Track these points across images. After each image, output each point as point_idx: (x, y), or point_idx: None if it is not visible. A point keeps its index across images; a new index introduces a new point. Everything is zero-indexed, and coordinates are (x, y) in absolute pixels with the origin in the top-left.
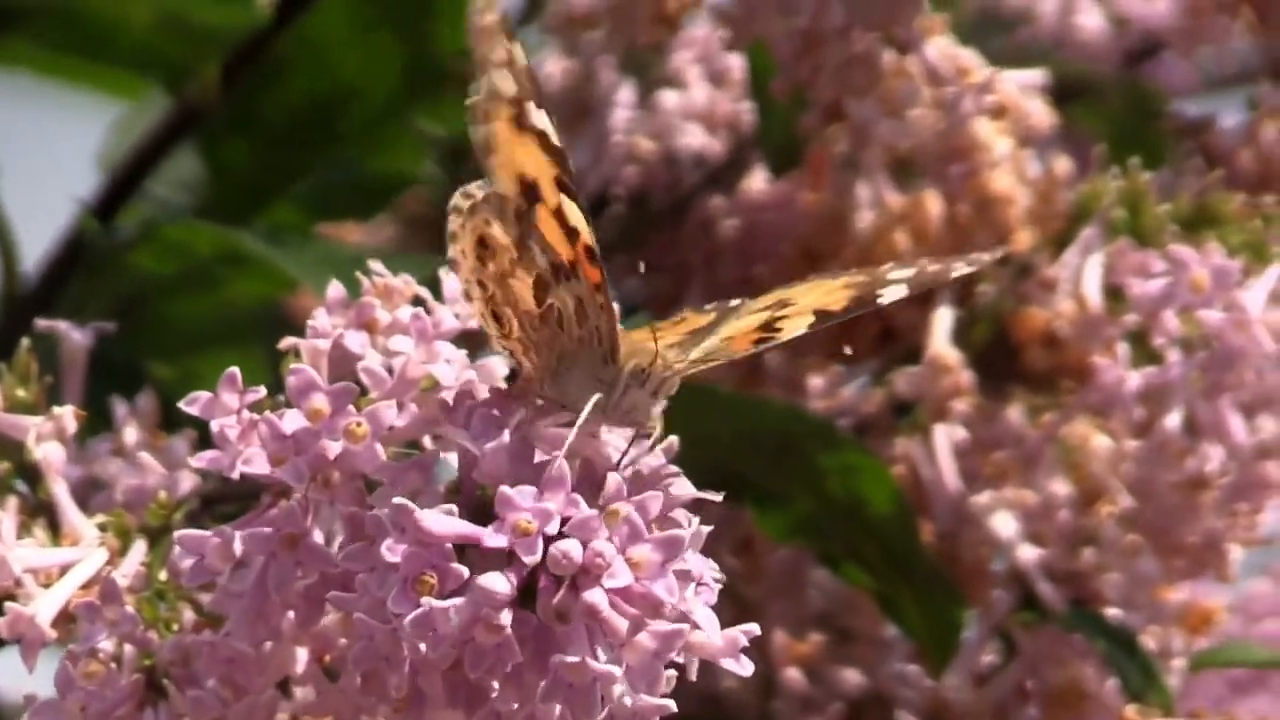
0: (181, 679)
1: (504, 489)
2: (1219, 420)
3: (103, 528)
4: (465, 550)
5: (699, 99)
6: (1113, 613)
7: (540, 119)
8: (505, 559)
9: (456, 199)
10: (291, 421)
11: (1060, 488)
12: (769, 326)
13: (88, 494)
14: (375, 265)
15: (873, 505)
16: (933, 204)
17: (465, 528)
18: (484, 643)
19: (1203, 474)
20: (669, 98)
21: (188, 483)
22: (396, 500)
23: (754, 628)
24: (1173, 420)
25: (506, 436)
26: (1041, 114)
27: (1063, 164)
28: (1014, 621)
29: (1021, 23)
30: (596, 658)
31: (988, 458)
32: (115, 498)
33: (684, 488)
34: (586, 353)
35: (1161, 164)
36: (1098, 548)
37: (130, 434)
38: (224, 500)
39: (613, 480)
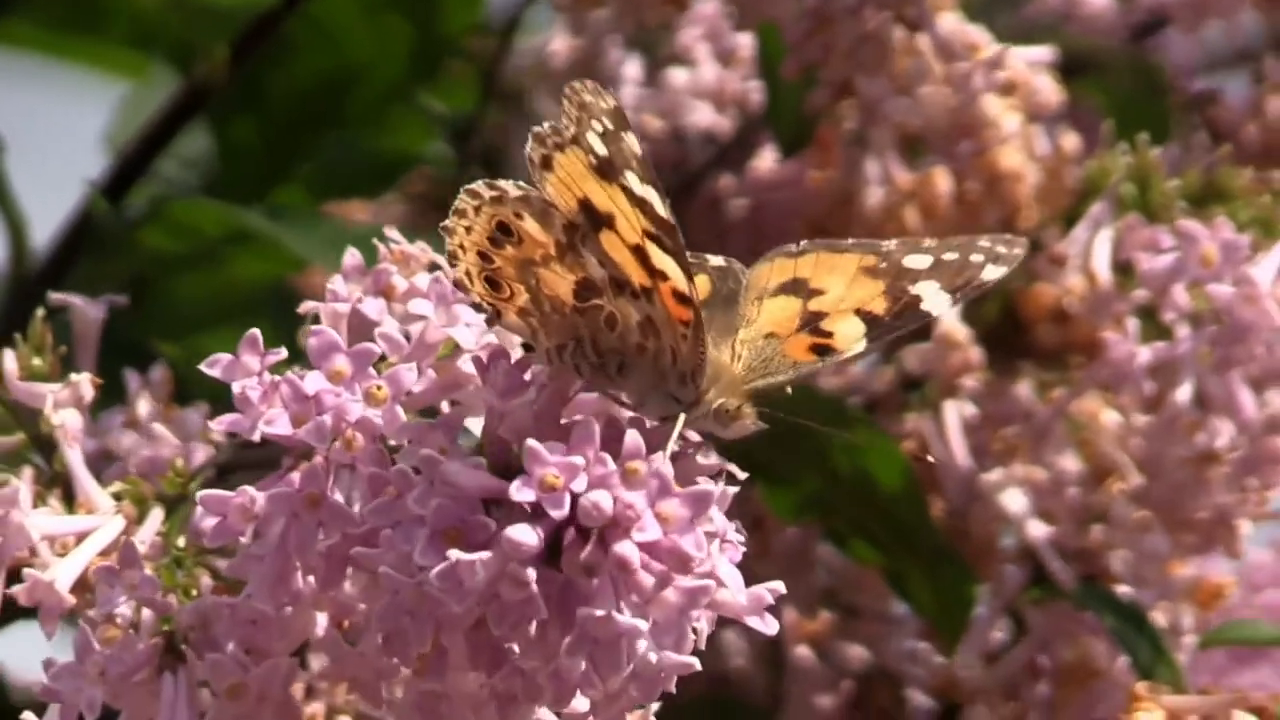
0: (200, 643)
1: (531, 443)
2: (1229, 395)
3: (118, 496)
4: (490, 507)
5: (707, 77)
6: (1123, 589)
7: (644, 190)
8: (531, 515)
9: (478, 186)
10: (313, 382)
11: (1070, 464)
12: (814, 327)
13: (101, 466)
14: (391, 233)
15: (882, 483)
16: (942, 181)
17: (493, 481)
18: (509, 599)
19: (1213, 449)
20: (677, 76)
21: (201, 454)
22: (425, 452)
23: (779, 585)
24: (1183, 395)
25: (532, 394)
26: (1050, 90)
27: (1071, 140)
28: (1024, 599)
29: None
30: (622, 612)
31: (997, 434)
32: (129, 469)
33: (709, 456)
34: (651, 363)
35: (1167, 139)
36: (1108, 524)
37: (143, 406)
38: (239, 469)
39: (631, 437)
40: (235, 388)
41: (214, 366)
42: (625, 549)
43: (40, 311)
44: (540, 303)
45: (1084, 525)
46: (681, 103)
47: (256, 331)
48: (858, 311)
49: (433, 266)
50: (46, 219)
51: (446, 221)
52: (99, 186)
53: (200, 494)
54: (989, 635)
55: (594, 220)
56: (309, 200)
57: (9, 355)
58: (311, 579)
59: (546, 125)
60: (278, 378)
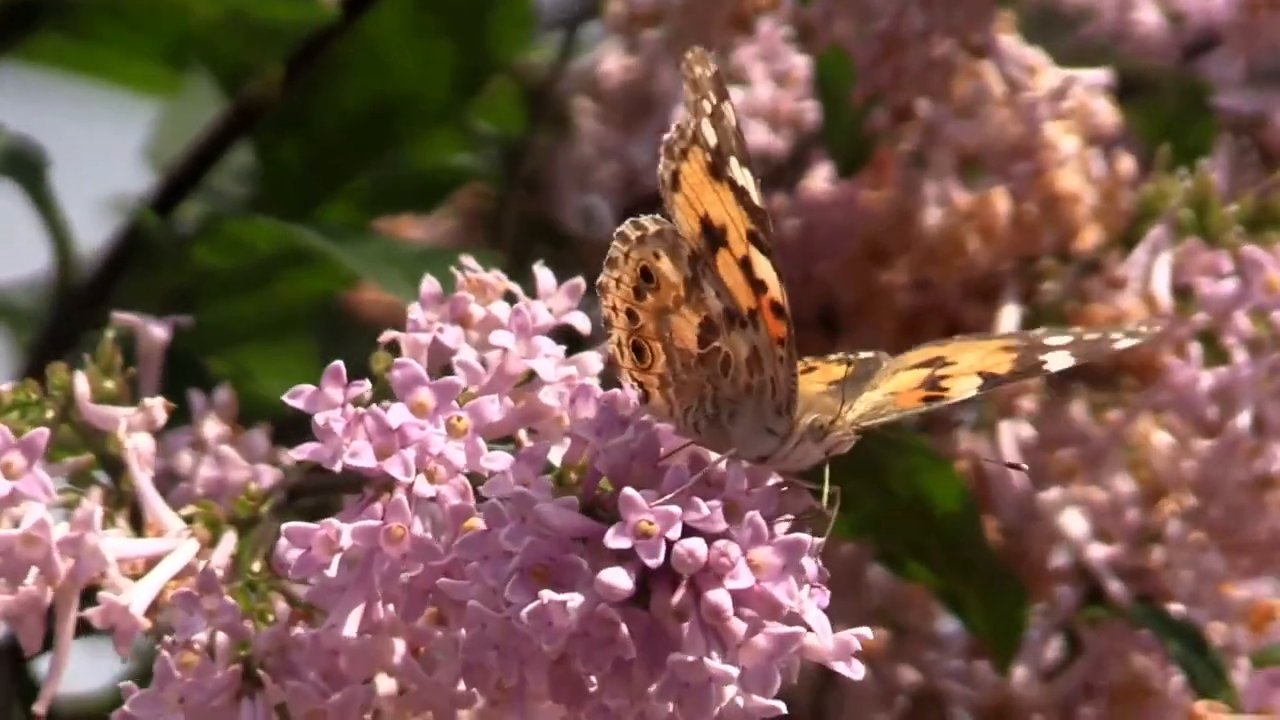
0: (279, 670)
1: (628, 491)
2: None
3: (190, 519)
4: (578, 543)
5: (762, 97)
6: (1176, 609)
7: (742, 175)
8: (619, 554)
9: (625, 227)
10: (397, 415)
11: (1125, 485)
12: (934, 385)
13: (165, 486)
14: (468, 261)
15: (938, 503)
16: (1000, 202)
17: (586, 523)
18: (597, 637)
19: (1270, 473)
20: (732, 95)
21: (268, 476)
22: (518, 489)
23: (866, 632)
24: (1243, 420)
25: (630, 432)
26: (1107, 113)
27: (1127, 163)
28: (1080, 618)
29: (1081, 20)
30: (712, 658)
31: (1053, 455)
32: (195, 491)
33: (800, 496)
34: (755, 402)
35: (1211, 157)
36: (1163, 544)
37: (210, 428)
38: (309, 493)
39: (734, 470)
40: (318, 419)
41: (297, 398)
42: (718, 596)
43: (109, 333)
44: (673, 361)
45: (1140, 545)
46: None
47: (340, 364)
48: (980, 373)
49: (508, 295)
50: (79, 233)
51: (600, 279)
52: (148, 201)
53: (285, 526)
54: (1043, 654)
55: (712, 238)
56: (358, 216)
57: (80, 377)
58: (391, 607)
59: (673, 129)
60: (361, 410)
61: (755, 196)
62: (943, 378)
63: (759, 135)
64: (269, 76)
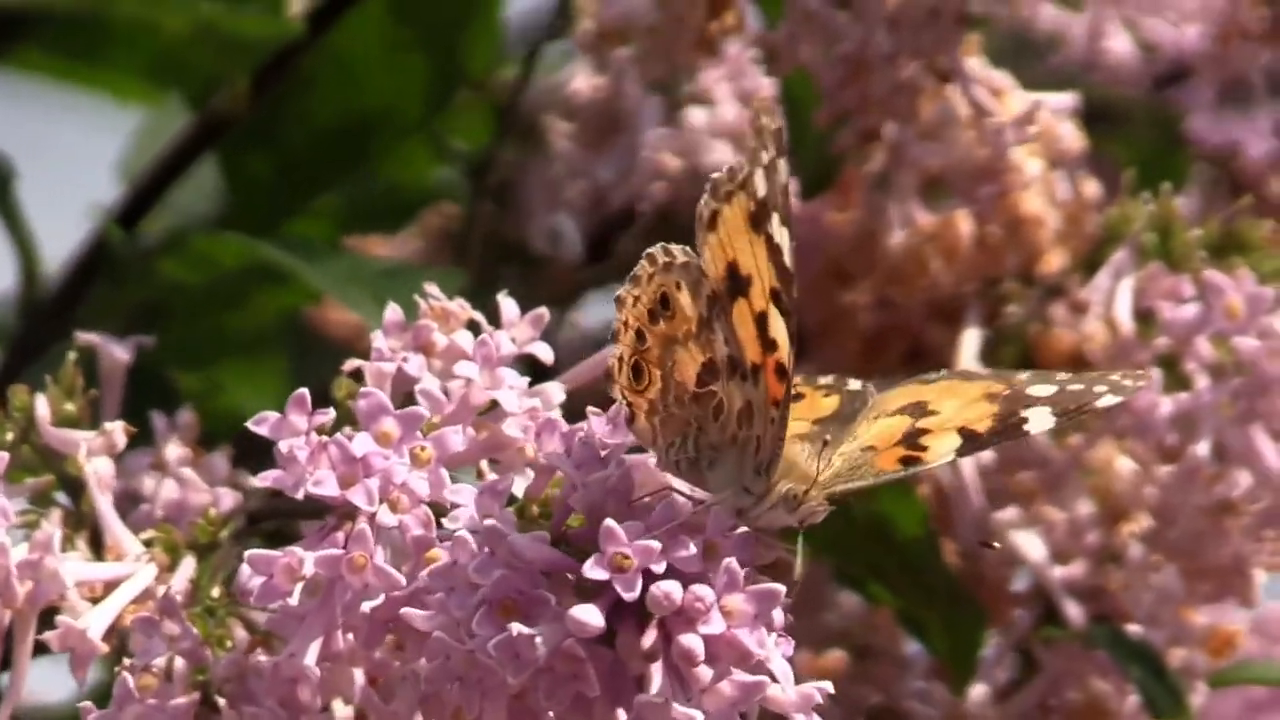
0: (237, 696)
1: (609, 522)
2: (1250, 447)
3: (149, 543)
4: (543, 577)
5: (727, 117)
6: (1134, 629)
7: (780, 234)
8: (589, 591)
9: (655, 250)
10: (361, 444)
11: (1084, 508)
12: (912, 441)
13: (125, 507)
14: (431, 289)
15: (899, 526)
16: (964, 224)
17: (558, 557)
18: (561, 673)
19: (1230, 499)
20: (697, 115)
21: (228, 499)
22: (489, 523)
23: (827, 685)
24: (1203, 447)
25: (610, 469)
26: (1073, 138)
27: (1091, 187)
28: (1036, 637)
29: (1052, 47)
30: (677, 699)
31: (1013, 477)
32: (155, 513)
33: (772, 548)
34: (737, 455)
35: (1185, 187)
36: (1122, 566)
37: (171, 450)
38: (269, 518)
39: (714, 518)
40: (282, 446)
41: (261, 425)
42: (691, 641)
43: (71, 355)
44: (667, 392)
45: (1098, 565)
46: (700, 142)
47: (304, 391)
48: (960, 429)
49: (471, 323)
50: (56, 245)
51: (620, 291)
52: (113, 214)
53: (248, 554)
54: (999, 674)
55: (734, 285)
56: (327, 233)
57: (41, 400)
58: (350, 636)
59: (725, 169)
60: (325, 438)
61: (788, 259)
62: (922, 432)
63: (723, 154)
64: (236, 89)
